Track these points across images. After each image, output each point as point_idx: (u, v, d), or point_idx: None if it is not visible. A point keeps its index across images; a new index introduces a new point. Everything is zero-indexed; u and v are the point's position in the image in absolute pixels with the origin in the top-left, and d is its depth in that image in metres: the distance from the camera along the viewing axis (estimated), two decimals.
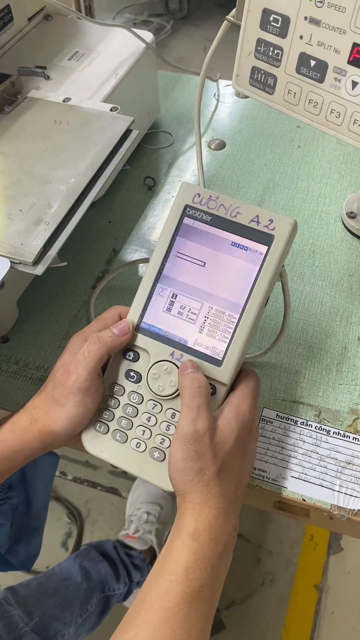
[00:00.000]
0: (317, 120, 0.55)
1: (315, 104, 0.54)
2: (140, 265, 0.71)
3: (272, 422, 0.57)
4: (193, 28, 2.90)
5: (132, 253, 0.73)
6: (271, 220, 0.47)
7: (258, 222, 0.47)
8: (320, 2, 0.48)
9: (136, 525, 1.21)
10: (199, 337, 0.49)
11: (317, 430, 0.56)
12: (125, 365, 0.51)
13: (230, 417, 0.46)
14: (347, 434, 0.56)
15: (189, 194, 0.49)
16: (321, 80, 0.52)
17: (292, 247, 0.66)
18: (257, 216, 0.47)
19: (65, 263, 0.54)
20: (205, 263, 0.49)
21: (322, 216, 0.75)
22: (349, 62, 0.49)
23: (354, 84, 0.50)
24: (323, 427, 0.56)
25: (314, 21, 0.50)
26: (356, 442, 0.55)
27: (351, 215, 0.73)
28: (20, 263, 0.52)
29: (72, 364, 0.48)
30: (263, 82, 0.57)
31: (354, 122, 0.52)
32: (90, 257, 0.72)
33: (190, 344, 0.49)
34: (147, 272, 0.50)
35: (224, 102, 0.92)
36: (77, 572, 1.01)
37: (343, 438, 0.55)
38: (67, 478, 1.43)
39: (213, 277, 0.48)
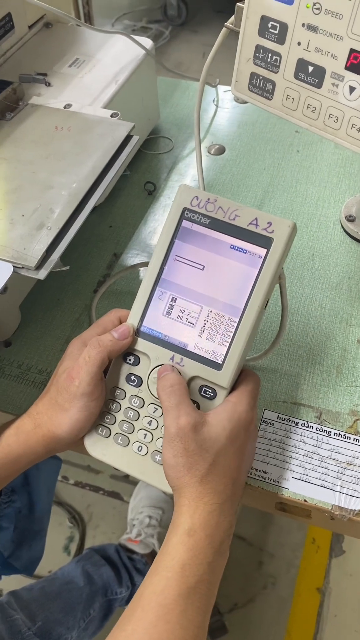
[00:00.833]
0: (316, 125, 0.56)
1: (314, 109, 0.54)
2: (141, 269, 0.71)
3: (273, 424, 0.57)
4: (191, 34, 2.92)
5: (132, 257, 0.73)
6: (270, 223, 0.46)
7: (257, 225, 0.47)
8: (318, 9, 0.49)
9: (138, 529, 1.21)
10: (199, 341, 0.49)
11: (318, 432, 0.56)
12: (126, 369, 0.51)
13: (223, 416, 0.46)
14: (347, 435, 0.56)
15: (187, 196, 0.49)
16: (319, 85, 0.53)
17: (292, 250, 0.67)
18: (256, 219, 0.47)
19: (68, 267, 0.54)
20: (204, 266, 0.49)
21: (321, 219, 0.76)
22: (346, 68, 0.50)
23: (352, 89, 0.51)
24: (324, 428, 0.57)
25: (312, 28, 0.50)
26: (357, 443, 0.55)
27: (350, 219, 0.73)
28: (23, 267, 0.53)
29: (74, 369, 0.49)
30: (262, 87, 0.57)
31: (352, 126, 0.52)
32: (92, 262, 0.73)
33: (190, 348, 0.49)
34: (147, 276, 0.50)
35: (223, 107, 0.93)
36: (80, 576, 1.01)
37: (344, 439, 0.56)
38: (68, 482, 1.43)
39: (212, 281, 0.48)
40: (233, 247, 0.48)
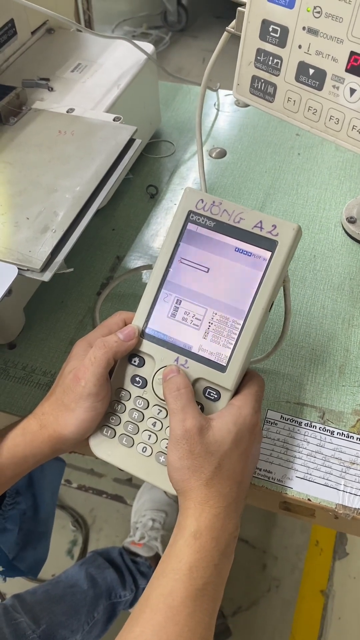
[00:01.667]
0: (317, 127, 0.56)
1: (315, 111, 0.55)
2: (144, 271, 0.72)
3: (276, 424, 0.58)
4: (191, 39, 2.94)
5: (135, 260, 0.74)
6: (274, 226, 0.47)
7: (261, 228, 0.47)
8: (318, 12, 0.50)
9: (141, 532, 1.21)
10: (203, 343, 0.49)
11: (321, 432, 0.57)
12: (131, 370, 0.52)
13: (228, 419, 0.47)
14: (350, 434, 0.56)
15: (192, 199, 0.49)
16: (320, 88, 0.53)
17: None
18: (261, 222, 0.47)
19: (72, 269, 0.55)
20: (209, 269, 0.49)
21: (323, 221, 0.76)
22: (347, 70, 0.51)
23: (352, 91, 0.51)
24: (327, 428, 0.57)
25: (312, 31, 0.51)
26: None
27: (351, 220, 0.74)
28: (27, 270, 0.53)
29: (81, 369, 0.49)
30: (263, 90, 0.58)
31: (353, 128, 0.53)
32: (95, 264, 0.73)
33: (194, 350, 0.49)
34: (152, 278, 0.50)
35: (224, 111, 0.94)
36: (84, 579, 1.01)
37: (347, 439, 0.56)
38: (71, 486, 1.43)
39: (217, 283, 0.49)
40: (238, 249, 0.48)
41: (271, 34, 0.54)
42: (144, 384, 0.51)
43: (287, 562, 1.30)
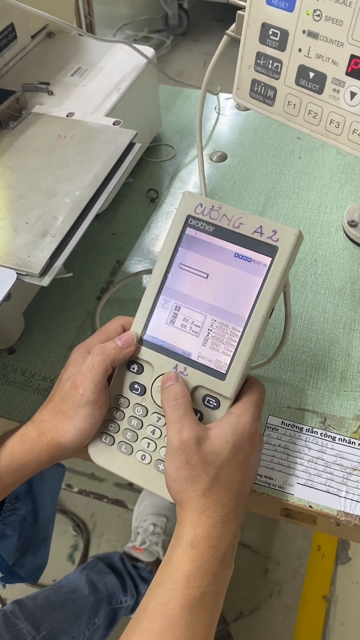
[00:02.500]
0: (317, 131, 0.56)
1: (315, 114, 0.55)
2: (144, 276, 0.71)
3: (277, 430, 0.57)
4: (192, 43, 2.94)
5: (135, 264, 0.74)
6: (275, 231, 0.46)
7: (261, 233, 0.46)
8: (318, 15, 0.49)
9: (143, 537, 1.21)
10: (203, 350, 0.48)
11: (323, 437, 0.56)
12: (129, 377, 0.51)
13: (227, 428, 0.46)
14: (352, 440, 0.56)
15: (191, 204, 0.48)
16: (320, 91, 0.53)
17: None
18: (261, 227, 0.46)
19: (71, 274, 0.55)
20: (208, 274, 0.48)
21: (324, 225, 0.76)
22: (347, 74, 0.50)
23: (353, 94, 0.51)
24: (328, 433, 0.56)
25: (312, 34, 0.51)
26: None
27: (352, 224, 0.74)
28: (26, 275, 0.53)
29: (78, 377, 0.49)
30: (263, 94, 0.58)
31: (353, 131, 0.53)
32: (95, 269, 0.73)
33: (193, 357, 0.48)
34: (150, 284, 0.50)
35: (225, 114, 0.94)
36: (84, 585, 1.01)
37: (348, 444, 0.56)
38: (72, 490, 1.43)
39: (216, 289, 0.48)
40: (237, 255, 0.47)
41: (271, 37, 0.54)
42: (143, 391, 0.50)
43: (289, 567, 1.30)
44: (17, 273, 0.53)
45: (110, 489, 1.42)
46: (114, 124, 0.67)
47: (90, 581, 1.02)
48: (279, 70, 0.55)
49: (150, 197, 0.82)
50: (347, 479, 0.53)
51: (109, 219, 0.79)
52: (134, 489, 1.41)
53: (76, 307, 0.69)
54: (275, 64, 0.55)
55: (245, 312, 0.47)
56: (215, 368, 0.48)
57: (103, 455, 0.52)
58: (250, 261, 0.47)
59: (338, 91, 0.52)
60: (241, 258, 0.47)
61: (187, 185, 0.83)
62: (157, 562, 1.18)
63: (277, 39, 0.53)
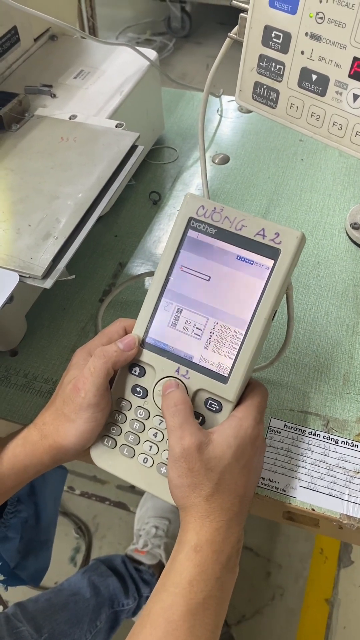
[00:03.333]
0: (320, 133, 0.56)
1: (318, 117, 0.55)
2: (147, 278, 0.71)
3: (280, 432, 0.57)
4: (195, 46, 2.95)
5: (138, 266, 0.74)
6: (277, 234, 0.45)
7: (264, 236, 0.46)
8: (321, 18, 0.49)
9: (145, 540, 1.21)
10: (205, 353, 0.48)
11: (325, 440, 0.56)
12: (131, 380, 0.51)
13: (229, 432, 0.46)
14: (355, 443, 0.56)
15: (193, 206, 0.48)
16: (323, 93, 0.53)
17: None
18: (263, 229, 0.46)
19: (74, 276, 0.55)
20: (210, 277, 0.48)
21: (326, 227, 0.76)
22: (350, 76, 0.50)
23: (355, 96, 0.51)
24: (331, 436, 0.56)
25: (315, 37, 0.51)
26: None
27: (355, 227, 0.73)
28: (29, 277, 0.53)
29: (80, 379, 0.48)
30: (266, 96, 0.58)
31: (356, 134, 0.53)
32: (97, 271, 0.73)
33: (195, 360, 0.48)
34: (152, 286, 0.49)
35: (227, 117, 0.94)
36: (86, 588, 1.00)
37: (351, 447, 0.55)
38: (74, 493, 1.43)
39: (218, 292, 0.47)
40: (239, 257, 0.47)
41: (274, 40, 0.54)
42: (145, 394, 0.50)
43: (292, 570, 1.29)
44: (20, 275, 0.53)
45: (112, 491, 1.42)
46: (116, 126, 0.67)
47: (92, 584, 1.01)
48: (281, 73, 0.55)
49: (153, 199, 0.82)
50: (349, 482, 0.53)
51: (112, 222, 0.79)
52: (136, 492, 1.41)
53: (78, 309, 0.69)
54: (278, 66, 0.55)
55: (247, 315, 0.46)
56: (217, 371, 0.47)
57: (105, 458, 0.52)
58: (252, 264, 0.46)
59: (341, 93, 0.52)
60: (243, 260, 0.47)
61: (189, 188, 0.83)
62: (159, 565, 1.18)
63: (280, 41, 0.53)
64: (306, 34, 0.51)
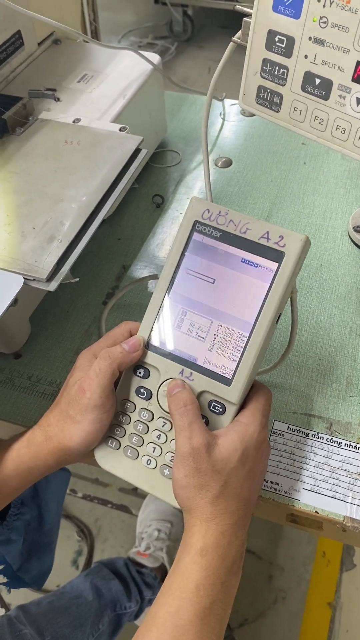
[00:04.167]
0: (323, 137, 0.56)
1: (321, 120, 0.55)
2: (150, 281, 0.72)
3: (283, 435, 0.57)
4: (197, 50, 2.95)
5: (141, 269, 0.74)
6: (282, 237, 0.46)
7: (268, 239, 0.46)
8: (324, 22, 0.50)
9: (147, 543, 1.20)
10: (209, 355, 0.48)
11: (329, 443, 0.56)
12: (136, 382, 0.51)
13: (235, 437, 0.46)
14: (358, 445, 0.56)
15: (199, 209, 0.48)
16: (326, 97, 0.53)
17: None
18: (267, 232, 0.46)
19: (78, 279, 0.55)
20: (214, 280, 0.48)
21: (329, 230, 0.76)
22: (353, 80, 0.50)
23: (359, 100, 0.51)
24: (334, 439, 0.56)
25: (319, 41, 0.51)
26: None
27: (358, 230, 0.74)
28: (33, 279, 0.53)
29: (85, 381, 0.49)
30: (269, 100, 0.58)
31: (359, 137, 0.53)
32: (101, 274, 0.73)
33: (199, 362, 0.48)
34: (157, 288, 0.50)
35: (230, 120, 0.94)
36: (89, 590, 1.00)
37: (355, 450, 0.55)
38: (77, 496, 1.43)
39: (223, 295, 0.48)
40: (244, 260, 0.47)
41: (277, 44, 0.54)
42: (149, 395, 0.50)
43: (294, 573, 1.29)
44: (24, 278, 0.53)
45: (114, 494, 1.42)
46: (120, 130, 0.67)
47: (94, 587, 1.01)
48: (285, 77, 0.55)
49: (156, 202, 0.82)
50: (353, 484, 0.53)
51: (115, 225, 0.79)
52: (139, 495, 1.40)
53: (82, 312, 0.69)
54: (281, 70, 0.55)
55: (251, 318, 0.47)
56: (221, 373, 0.48)
57: (109, 460, 0.52)
58: (257, 267, 0.47)
59: (344, 97, 0.52)
60: (248, 263, 0.47)
61: (192, 191, 0.84)
62: (162, 568, 1.17)
63: (284, 45, 0.54)
64: (310, 38, 0.51)
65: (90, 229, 0.57)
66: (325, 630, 1.22)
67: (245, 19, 0.56)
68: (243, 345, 0.47)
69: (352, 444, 0.56)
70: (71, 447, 0.49)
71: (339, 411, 0.58)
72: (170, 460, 0.49)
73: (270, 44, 0.54)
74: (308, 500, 0.53)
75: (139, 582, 1.10)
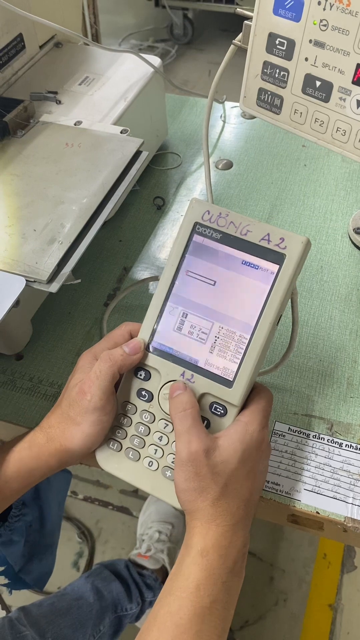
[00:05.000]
0: (324, 139, 0.56)
1: (322, 122, 0.55)
2: (151, 283, 0.72)
3: (284, 436, 0.57)
4: (197, 52, 2.96)
5: (142, 271, 0.74)
6: (282, 239, 0.45)
7: (269, 241, 0.46)
8: (325, 25, 0.50)
9: (148, 544, 1.20)
10: (210, 357, 0.48)
11: (329, 443, 0.56)
12: (137, 384, 0.51)
13: (235, 437, 0.46)
14: (359, 446, 0.56)
15: (199, 211, 0.48)
16: (327, 99, 0.53)
17: None
18: (268, 234, 0.46)
19: (79, 280, 0.55)
20: (215, 282, 0.48)
21: (329, 232, 0.76)
22: (353, 82, 0.51)
23: (359, 102, 0.51)
24: (335, 440, 0.56)
25: (319, 44, 0.51)
26: None
27: (358, 231, 0.74)
28: (35, 281, 0.53)
29: (86, 383, 0.49)
30: (270, 102, 0.58)
31: None
32: (102, 276, 0.73)
33: (200, 364, 0.48)
34: (158, 290, 0.50)
35: (230, 123, 0.94)
36: (90, 592, 1.00)
37: (355, 451, 0.56)
38: (77, 497, 1.43)
39: (223, 296, 0.48)
40: (245, 262, 0.47)
41: (278, 46, 0.54)
42: (150, 397, 0.51)
43: (295, 575, 1.29)
44: (26, 280, 0.53)
45: (115, 496, 1.42)
46: (121, 132, 0.67)
47: (95, 588, 1.01)
48: (285, 79, 0.56)
49: (157, 204, 0.82)
50: (354, 485, 0.53)
51: (116, 227, 0.80)
52: (139, 496, 1.41)
53: (83, 313, 0.70)
54: (282, 73, 0.55)
55: (252, 320, 0.47)
56: (222, 375, 0.48)
57: (110, 461, 0.52)
58: (257, 268, 0.47)
59: (344, 99, 0.52)
60: (249, 265, 0.47)
61: (193, 193, 0.84)
62: (163, 570, 1.17)
63: (284, 48, 0.54)
64: (310, 41, 0.52)
65: (91, 231, 0.58)
66: (326, 632, 1.22)
67: (245, 22, 0.56)
68: (244, 347, 0.47)
69: (352, 444, 0.56)
70: (72, 449, 0.49)
71: (339, 412, 0.59)
72: (172, 462, 0.49)
73: (270, 47, 0.55)
74: (309, 500, 0.53)
75: (139, 584, 1.10)
